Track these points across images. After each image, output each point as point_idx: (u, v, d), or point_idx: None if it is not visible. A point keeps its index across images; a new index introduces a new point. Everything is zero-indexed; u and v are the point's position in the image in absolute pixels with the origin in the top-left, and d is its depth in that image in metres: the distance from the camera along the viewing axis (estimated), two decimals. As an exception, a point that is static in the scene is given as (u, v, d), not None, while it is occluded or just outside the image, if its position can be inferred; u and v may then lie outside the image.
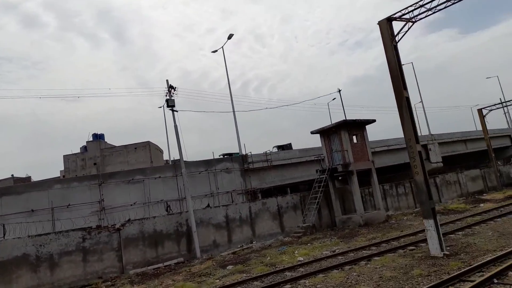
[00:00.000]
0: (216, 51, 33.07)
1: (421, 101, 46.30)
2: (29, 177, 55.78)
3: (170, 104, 18.90)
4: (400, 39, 13.40)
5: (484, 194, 33.55)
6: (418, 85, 45.53)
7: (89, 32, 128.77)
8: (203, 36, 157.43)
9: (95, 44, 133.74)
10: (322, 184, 23.13)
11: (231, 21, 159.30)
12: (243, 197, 28.52)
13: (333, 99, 59.09)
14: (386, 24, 13.40)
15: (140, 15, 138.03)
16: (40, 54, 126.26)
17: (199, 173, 27.33)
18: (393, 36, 13.33)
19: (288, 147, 33.43)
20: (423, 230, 17.50)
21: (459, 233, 15.20)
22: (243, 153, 30.12)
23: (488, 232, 14.47)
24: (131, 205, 24.48)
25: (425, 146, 42.19)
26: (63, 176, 50.94)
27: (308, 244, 18.06)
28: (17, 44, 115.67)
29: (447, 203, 29.77)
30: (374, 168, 24.42)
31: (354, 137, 24.56)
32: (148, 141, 56.77)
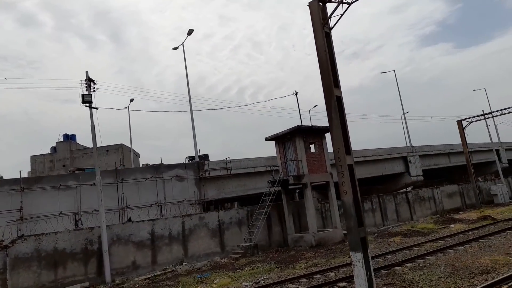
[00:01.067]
0: (177, 48, 30.43)
1: (402, 109, 43.99)
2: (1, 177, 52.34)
3: (87, 99, 16.05)
4: (334, 25, 10.77)
5: (460, 212, 31.00)
6: (399, 94, 43.22)
7: (86, 33, 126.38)
8: (200, 41, 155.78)
9: (91, 45, 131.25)
10: (271, 197, 20.37)
11: (229, 27, 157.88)
12: (195, 209, 25.72)
13: (315, 106, 56.77)
14: (317, 6, 10.76)
15: (138, 18, 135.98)
16: (35, 53, 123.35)
17: (145, 180, 24.48)
18: (325, 20, 10.69)
19: (204, 158, 29.92)
20: (377, 256, 14.79)
21: (408, 264, 12.47)
22: (205, 158, 27.40)
23: (441, 265, 11.76)
24: (59, 214, 21.56)
25: (405, 158, 39.82)
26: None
27: (238, 270, 15.22)
28: (13, 43, 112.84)
29: (418, 221, 27.15)
30: (333, 181, 21.71)
31: (312, 146, 21.89)
32: (121, 144, 53.63)
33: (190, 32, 28.42)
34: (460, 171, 59.36)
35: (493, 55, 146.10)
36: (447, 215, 28.74)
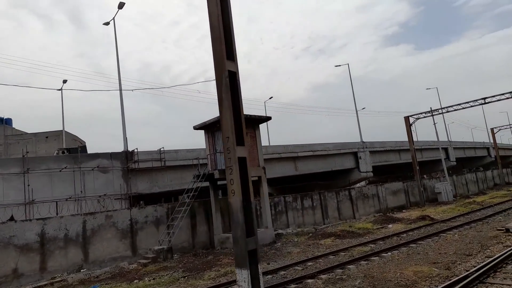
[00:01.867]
0: (108, 23, 27.16)
1: (355, 104, 43.04)
2: None
3: None
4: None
5: (403, 210, 30.33)
6: (352, 89, 42.29)
7: (43, 12, 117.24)
8: (166, 28, 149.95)
9: (49, 26, 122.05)
10: (192, 193, 18.10)
11: (197, 16, 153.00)
12: (122, 204, 22.98)
13: (270, 98, 54.96)
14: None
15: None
16: None
17: (60, 170, 21.42)
18: (222, -26, 8.45)
19: (76, 150, 24.42)
20: (298, 263, 12.96)
21: (323, 276, 10.66)
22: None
23: (359, 278, 10.03)
24: None
25: (355, 154, 38.89)
26: None
27: (136, 281, 12.86)
28: None
29: (360, 220, 25.98)
30: (265, 177, 19.78)
31: (244, 137, 19.76)
32: (62, 130, 49.37)
33: (121, 5, 25.32)
34: (410, 168, 60.42)
35: (449, 58, 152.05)
36: (390, 214, 27.86)
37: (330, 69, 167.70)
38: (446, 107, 31.96)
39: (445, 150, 56.40)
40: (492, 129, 53.93)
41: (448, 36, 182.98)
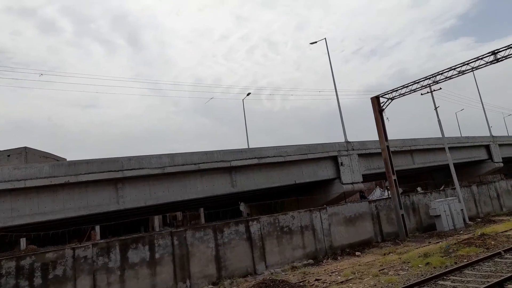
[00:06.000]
0: None
1: (334, 84, 30.85)
2: None
3: None
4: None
5: (357, 253, 17.93)
6: (330, 64, 30.51)
7: (104, 37, 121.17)
8: (217, 43, 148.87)
9: (110, 50, 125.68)
10: None
11: (245, 28, 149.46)
12: None
13: (248, 94, 44.52)
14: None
15: (155, 21, 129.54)
16: (56, 60, 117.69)
17: None
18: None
19: None
20: None
21: None
22: None
23: None
24: None
25: (335, 159, 27.00)
26: None
27: None
28: (34, 49, 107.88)
29: (277, 274, 14.37)
30: None
31: None
32: (25, 147, 42.99)
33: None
34: (437, 173, 45.82)
35: None
36: (329, 260, 15.83)
37: (383, 70, 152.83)
38: (435, 74, 19.08)
39: (487, 148, 41.79)
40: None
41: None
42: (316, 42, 33.96)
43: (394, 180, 20.85)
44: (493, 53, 17.17)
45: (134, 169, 18.60)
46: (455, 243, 15.66)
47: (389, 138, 22.09)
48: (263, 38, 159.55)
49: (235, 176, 22.90)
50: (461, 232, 20.41)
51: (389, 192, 53.66)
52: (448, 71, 18.72)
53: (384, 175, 40.58)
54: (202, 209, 46.11)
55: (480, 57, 17.57)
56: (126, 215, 23.11)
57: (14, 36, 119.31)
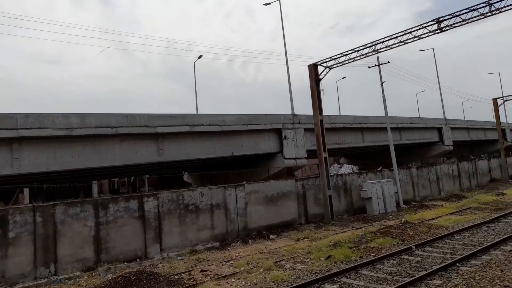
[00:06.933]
0: None
1: (284, 46, 28.13)
2: None
3: None
4: None
5: (277, 236, 16.07)
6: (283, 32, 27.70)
7: None
8: (192, 6, 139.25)
9: (78, 3, 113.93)
10: None
11: None
12: None
13: (200, 57, 41.08)
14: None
15: None
16: (18, 10, 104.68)
17: None
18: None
19: None
20: None
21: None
22: None
23: None
24: None
25: (278, 132, 24.71)
26: None
27: None
28: None
29: (170, 260, 12.07)
30: None
31: None
32: None
33: None
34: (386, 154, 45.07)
35: (488, 36, 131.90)
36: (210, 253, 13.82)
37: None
38: (375, 43, 16.89)
39: (439, 130, 41.06)
40: (495, 100, 37.81)
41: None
42: (270, 3, 31.14)
43: (325, 158, 18.95)
44: (437, 21, 15.09)
45: (33, 128, 15.54)
46: (372, 231, 14.04)
47: (343, 113, 20.10)
48: (241, 5, 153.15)
49: (163, 144, 20.34)
50: (390, 217, 19.05)
51: (342, 167, 52.37)
52: (389, 39, 16.57)
53: (333, 152, 39.25)
54: (146, 176, 43.30)
55: (423, 25, 15.47)
56: (25, 180, 20.15)
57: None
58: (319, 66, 19.41)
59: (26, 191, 34.02)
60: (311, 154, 27.48)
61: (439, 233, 13.17)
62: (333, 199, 19.87)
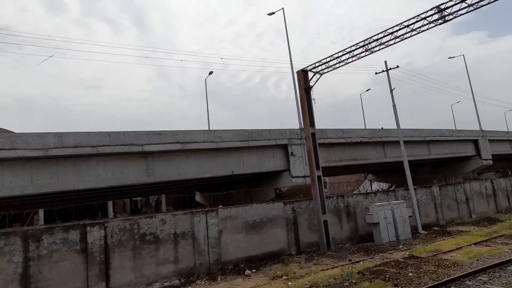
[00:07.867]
0: None
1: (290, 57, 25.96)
2: None
3: None
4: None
5: (256, 271, 13.47)
6: (287, 34, 25.86)
7: (110, 17, 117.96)
8: (224, 28, 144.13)
9: (116, 30, 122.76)
10: None
11: (252, 12, 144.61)
12: None
13: (210, 73, 40.16)
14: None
15: (161, 3, 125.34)
16: (61, 39, 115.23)
17: None
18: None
19: None
20: None
21: None
22: None
23: None
24: None
25: (285, 148, 22.60)
26: None
27: None
28: (39, 27, 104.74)
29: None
30: None
31: None
32: None
33: None
34: (424, 169, 40.87)
35: None
36: None
37: (392, 61, 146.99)
38: (369, 41, 14.18)
39: (475, 143, 36.76)
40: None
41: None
42: (274, 13, 29.38)
43: (318, 176, 16.17)
44: (439, 9, 12.25)
45: (4, 149, 14.34)
46: (361, 271, 11.06)
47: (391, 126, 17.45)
48: (271, 25, 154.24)
49: (152, 164, 18.68)
50: (401, 246, 15.78)
51: (373, 184, 48.21)
52: (383, 36, 13.87)
53: (350, 169, 35.78)
54: (164, 196, 41.86)
55: (422, 16, 12.67)
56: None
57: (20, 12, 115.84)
58: (309, 72, 16.87)
59: (42, 212, 33.31)
60: (326, 171, 24.56)
61: (448, 274, 10.03)
62: (332, 224, 16.96)
